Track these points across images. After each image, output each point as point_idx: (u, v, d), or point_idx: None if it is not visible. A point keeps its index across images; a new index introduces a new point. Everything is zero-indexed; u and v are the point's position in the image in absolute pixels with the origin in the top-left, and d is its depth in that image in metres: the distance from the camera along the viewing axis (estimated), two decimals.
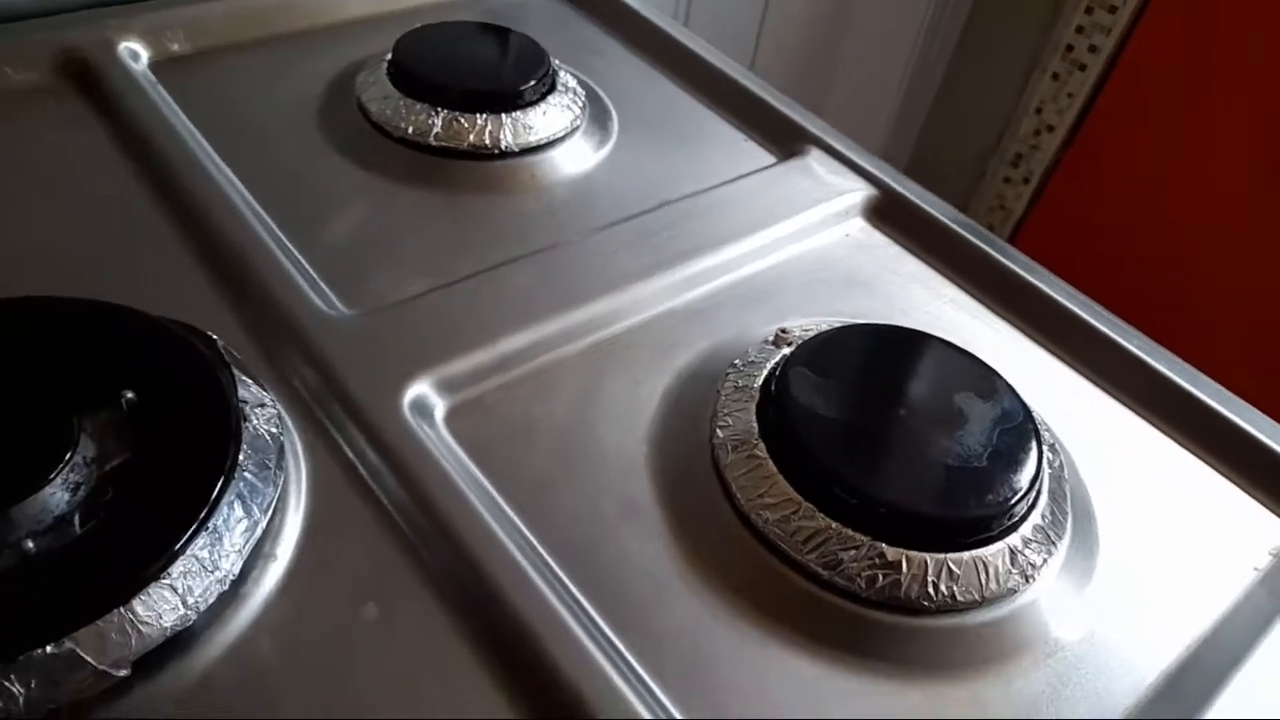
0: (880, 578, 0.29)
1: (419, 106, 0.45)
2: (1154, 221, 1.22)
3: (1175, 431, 0.38)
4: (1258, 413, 0.38)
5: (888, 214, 0.46)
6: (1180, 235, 1.20)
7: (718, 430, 0.33)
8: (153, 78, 0.47)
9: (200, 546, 0.27)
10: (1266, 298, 1.14)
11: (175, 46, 0.49)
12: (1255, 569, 0.34)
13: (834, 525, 0.30)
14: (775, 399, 0.33)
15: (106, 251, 0.39)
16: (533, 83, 0.46)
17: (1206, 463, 0.37)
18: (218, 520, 0.27)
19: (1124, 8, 1.16)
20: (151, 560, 0.26)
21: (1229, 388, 0.39)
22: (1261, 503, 0.36)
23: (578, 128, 0.47)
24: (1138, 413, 0.39)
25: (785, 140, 0.50)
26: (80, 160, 0.43)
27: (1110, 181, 1.24)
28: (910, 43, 1.25)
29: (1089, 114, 1.23)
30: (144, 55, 0.48)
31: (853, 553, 0.29)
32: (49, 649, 0.24)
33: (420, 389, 0.34)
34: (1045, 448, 0.33)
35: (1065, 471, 0.34)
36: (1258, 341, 1.16)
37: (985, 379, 0.35)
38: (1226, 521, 0.36)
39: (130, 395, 0.29)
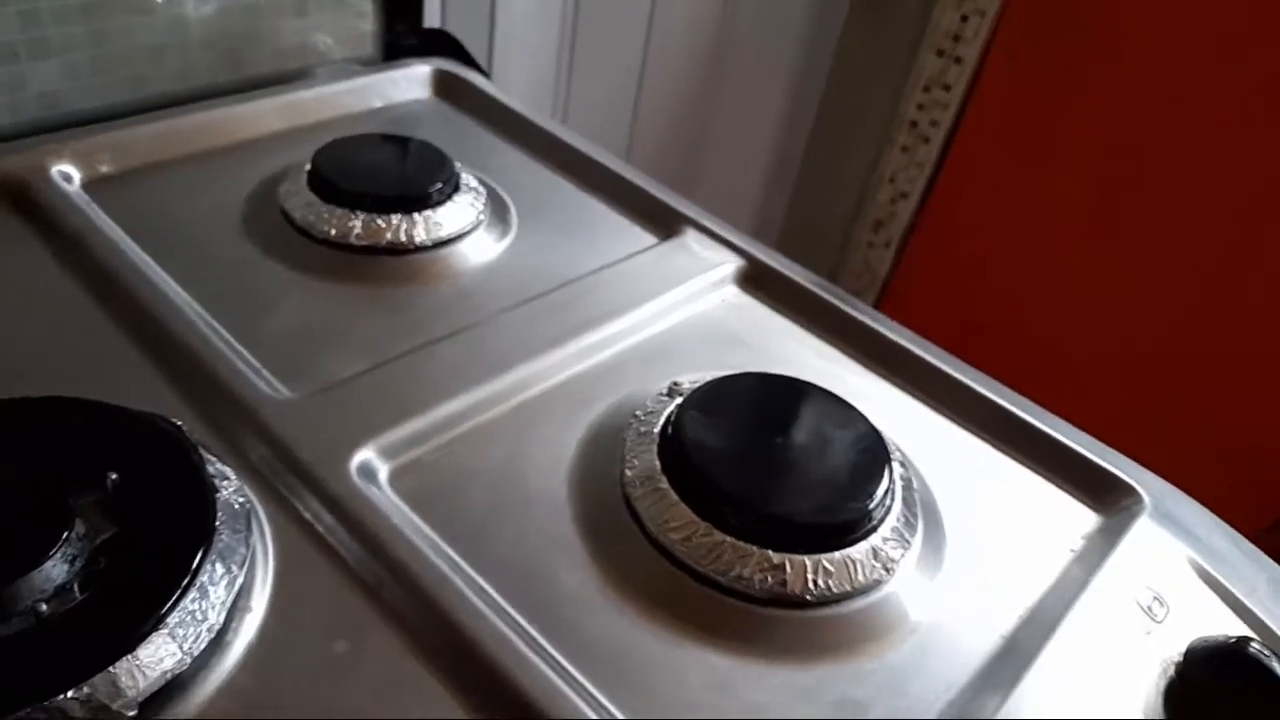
0: (770, 579, 0.35)
1: (339, 211, 0.50)
2: (1002, 274, 1.35)
3: (1001, 443, 0.46)
4: (1063, 421, 0.46)
5: (757, 281, 0.54)
6: (1025, 286, 1.34)
7: (626, 470, 0.39)
8: (86, 197, 0.51)
9: (191, 600, 0.31)
10: (1100, 340, 1.28)
11: (104, 168, 0.54)
12: (1071, 550, 0.41)
13: (729, 540, 0.36)
14: (673, 439, 0.39)
15: (64, 359, 0.42)
16: (439, 184, 0.53)
17: (1028, 467, 0.45)
18: (204, 577, 0.32)
19: (956, 85, 1.30)
20: (153, 613, 0.30)
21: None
22: (1074, 496, 0.44)
23: (481, 222, 0.54)
24: (971, 431, 0.47)
25: (664, 222, 0.57)
26: (27, 279, 0.46)
27: (962, 241, 1.37)
28: (772, 123, 1.37)
29: (937, 180, 1.36)
30: (76, 176, 0.52)
31: (746, 561, 0.35)
32: (70, 694, 0.28)
33: (365, 455, 0.39)
34: (895, 462, 0.40)
35: (915, 482, 0.41)
36: (1102, 389, 1.29)
37: (844, 413, 0.42)
38: (1047, 514, 0.43)
39: (114, 476, 0.34)
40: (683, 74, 1.18)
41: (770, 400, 0.42)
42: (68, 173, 0.52)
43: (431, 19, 0.83)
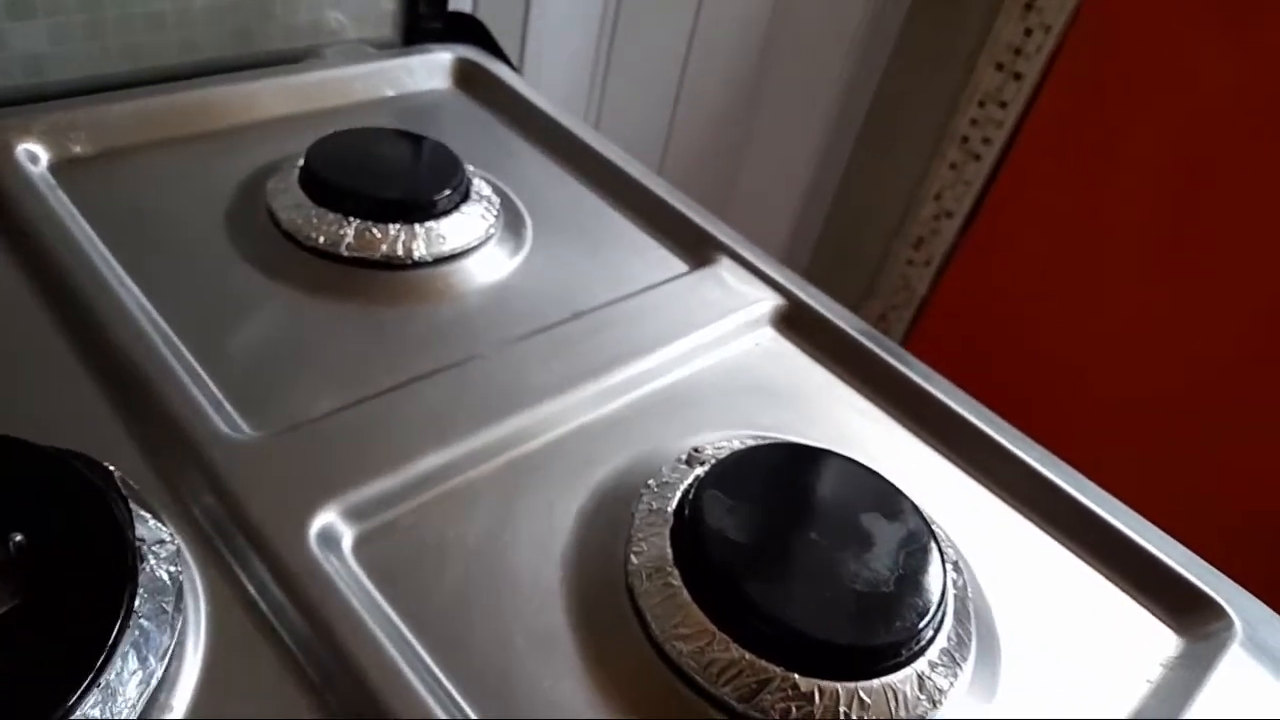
0: (794, 710, 0.29)
1: (331, 216, 0.44)
2: (1048, 301, 1.28)
3: (1070, 541, 0.40)
4: (1146, 523, 0.40)
5: (796, 323, 0.48)
6: (1071, 316, 1.27)
7: (632, 556, 0.33)
8: (52, 180, 0.46)
9: (92, 705, 0.25)
10: (1151, 376, 1.20)
11: (78, 148, 0.48)
12: (1148, 681, 0.35)
13: (748, 657, 0.30)
14: (689, 524, 0.33)
15: None
16: (447, 192, 0.47)
17: (1101, 572, 0.39)
18: (110, 675, 0.26)
19: (1013, 103, 1.23)
20: None
21: (1113, 474, 0.41)
22: (1152, 612, 0.38)
23: (492, 236, 0.48)
24: (1034, 522, 0.40)
25: (695, 248, 0.51)
26: None
27: (1007, 264, 1.30)
28: (815, 131, 1.31)
29: (985, 200, 1.29)
30: (43, 157, 0.47)
31: (767, 685, 0.30)
32: None
33: (328, 517, 0.33)
34: (949, 567, 0.34)
35: (969, 590, 0.35)
36: (1139, 423, 1.21)
37: (891, 498, 0.36)
38: (1120, 632, 0.37)
39: (19, 538, 0.28)
40: (725, 73, 1.12)
41: (805, 479, 0.36)
42: (34, 152, 0.47)
43: (461, 2, 0.77)
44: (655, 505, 0.35)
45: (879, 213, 1.38)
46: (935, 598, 0.32)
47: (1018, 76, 1.21)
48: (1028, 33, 1.19)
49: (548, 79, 0.91)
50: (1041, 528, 0.40)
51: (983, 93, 1.24)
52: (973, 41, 1.23)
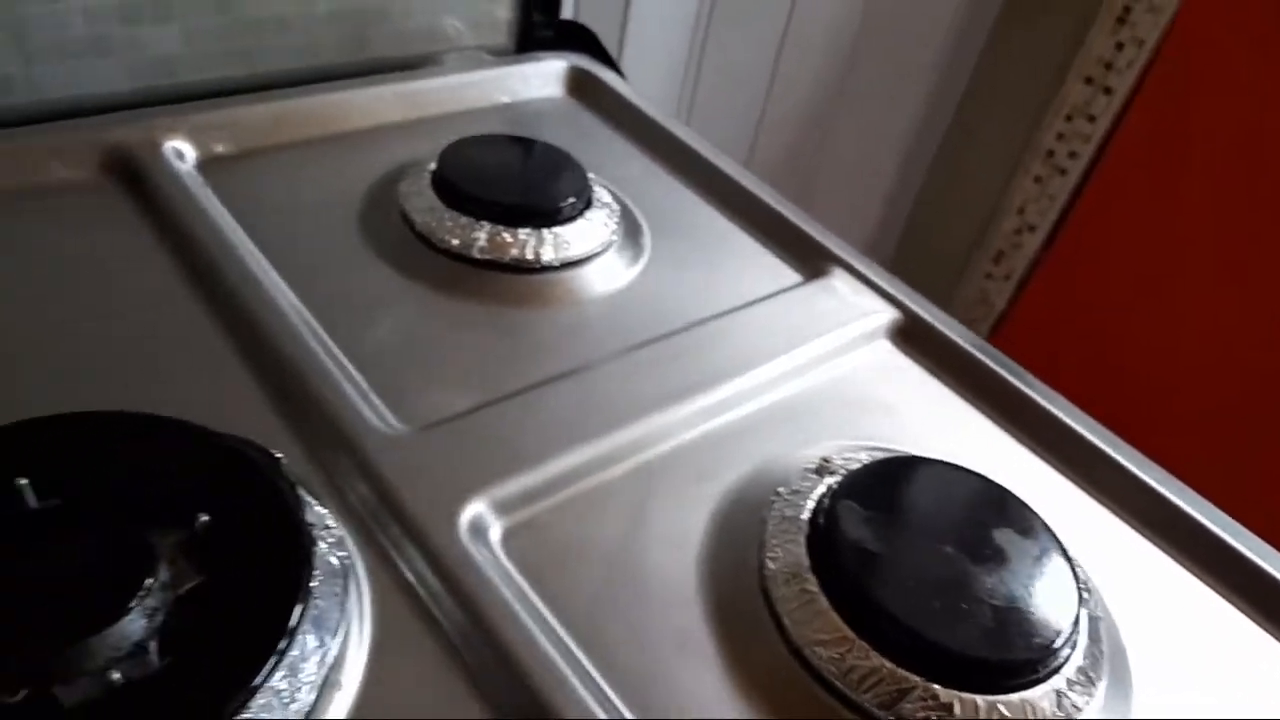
0: (933, 719, 0.30)
1: (463, 219, 0.46)
2: (1132, 317, 1.26)
3: (1196, 566, 0.40)
4: (1275, 552, 0.39)
5: (912, 337, 0.48)
6: (1155, 333, 1.24)
7: (768, 561, 0.34)
8: (199, 177, 0.48)
9: (279, 678, 0.27)
10: (1236, 394, 1.18)
11: (220, 147, 0.50)
12: None
13: (888, 665, 0.31)
14: (825, 532, 0.34)
15: (154, 356, 0.39)
16: (572, 199, 0.48)
17: (1230, 601, 0.39)
18: (294, 651, 0.28)
19: (1102, 117, 1.21)
20: (233, 695, 0.26)
21: (1196, 486, 0.41)
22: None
23: (613, 243, 0.49)
24: (1159, 545, 0.40)
25: (809, 259, 0.52)
26: (126, 259, 0.43)
27: (1089, 280, 1.29)
28: (899, 137, 1.30)
29: (1069, 216, 1.27)
30: (190, 155, 0.49)
31: (908, 694, 0.30)
32: None
33: (476, 509, 0.35)
34: (1082, 586, 0.34)
35: (1100, 610, 0.35)
36: (1226, 440, 1.19)
37: (1022, 516, 0.36)
38: (1253, 665, 0.37)
39: (205, 518, 0.30)
40: (813, 80, 1.12)
41: (936, 492, 0.37)
42: (181, 150, 0.49)
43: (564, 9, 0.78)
44: (788, 512, 0.36)
45: (959, 224, 1.37)
46: (1071, 616, 0.32)
47: (1108, 91, 1.20)
48: (1119, 47, 1.18)
49: (642, 78, 0.92)
50: (1167, 550, 0.40)
51: (1070, 106, 1.23)
52: (1062, 54, 1.22)
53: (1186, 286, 1.20)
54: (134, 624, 0.27)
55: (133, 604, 0.27)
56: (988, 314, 1.36)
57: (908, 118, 1.28)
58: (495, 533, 0.35)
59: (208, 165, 0.49)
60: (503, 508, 0.35)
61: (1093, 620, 0.34)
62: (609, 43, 0.71)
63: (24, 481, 0.30)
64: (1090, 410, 0.45)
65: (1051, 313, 1.33)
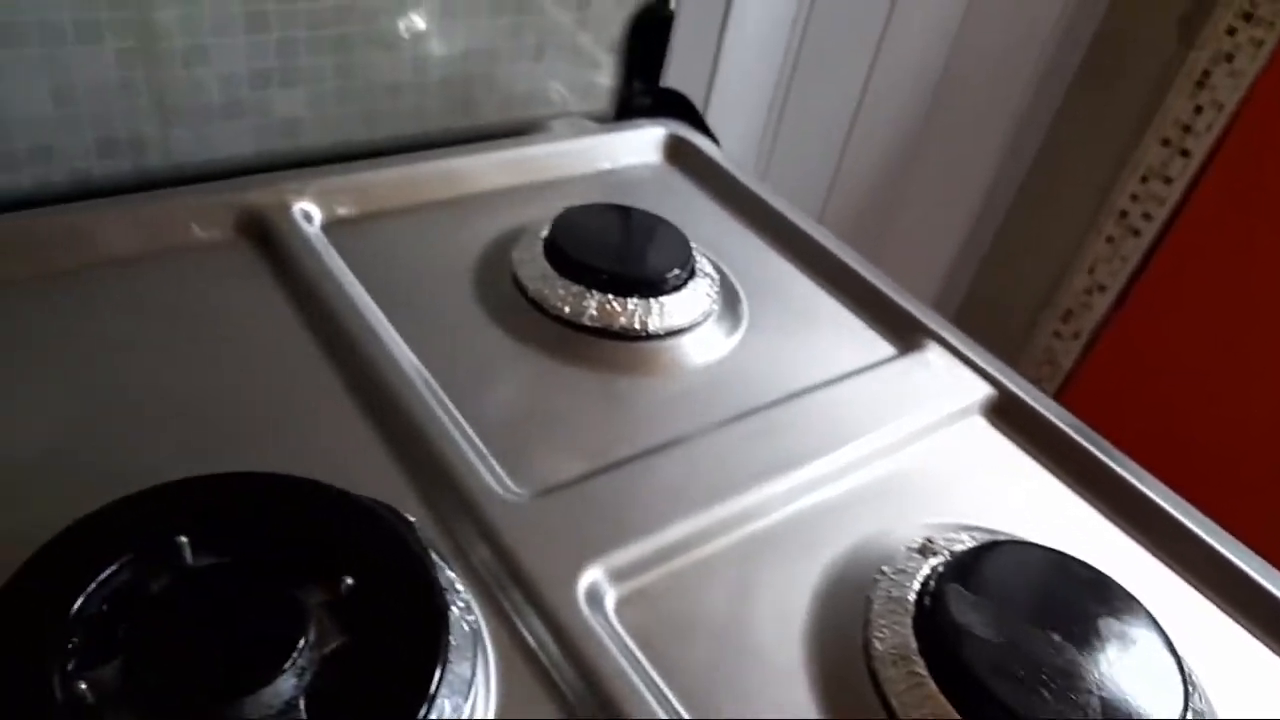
0: None
1: (575, 287, 0.48)
2: (1203, 382, 1.25)
3: None
4: None
5: (1007, 414, 0.49)
6: (1226, 399, 1.23)
7: (875, 641, 0.35)
8: (324, 238, 0.51)
9: None
10: None
11: (343, 210, 0.53)
12: None
13: None
14: (933, 615, 0.35)
15: (284, 413, 0.41)
16: (677, 270, 0.50)
17: None
18: (433, 715, 0.29)
19: (1178, 180, 1.21)
20: None
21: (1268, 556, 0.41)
22: None
23: (713, 313, 0.51)
24: (1259, 637, 0.41)
25: (904, 332, 0.53)
26: (259, 316, 0.46)
27: (1159, 344, 1.27)
28: (972, 191, 1.31)
29: (1140, 278, 1.27)
30: (317, 216, 0.52)
31: None
32: None
33: (593, 576, 0.36)
34: (1187, 680, 0.35)
35: (1204, 704, 0.36)
36: None
37: (1127, 605, 0.37)
38: None
39: (350, 581, 0.32)
40: (889, 134, 1.14)
41: (1042, 579, 0.38)
42: (309, 212, 0.52)
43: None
44: (894, 593, 0.37)
45: (1028, 282, 1.36)
46: (1178, 712, 0.33)
47: (1185, 153, 1.20)
48: (1198, 110, 1.18)
49: (725, 134, 0.94)
50: (1264, 642, 0.40)
51: (1145, 168, 1.23)
52: (1139, 115, 1.22)
53: (1258, 354, 1.18)
54: (287, 683, 0.29)
55: (287, 664, 0.29)
56: (1054, 374, 1.36)
57: (981, 173, 1.29)
58: (610, 600, 0.36)
59: (332, 227, 0.52)
60: (618, 576, 0.37)
61: (1197, 716, 0.34)
62: (695, 102, 0.73)
63: (184, 539, 0.32)
64: (1158, 476, 0.45)
65: (1119, 374, 1.32)
